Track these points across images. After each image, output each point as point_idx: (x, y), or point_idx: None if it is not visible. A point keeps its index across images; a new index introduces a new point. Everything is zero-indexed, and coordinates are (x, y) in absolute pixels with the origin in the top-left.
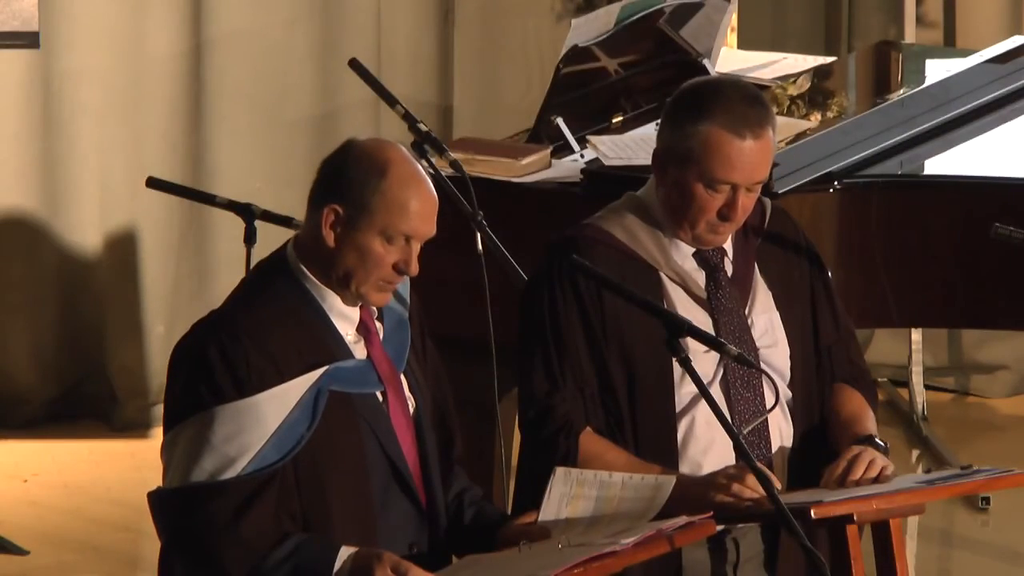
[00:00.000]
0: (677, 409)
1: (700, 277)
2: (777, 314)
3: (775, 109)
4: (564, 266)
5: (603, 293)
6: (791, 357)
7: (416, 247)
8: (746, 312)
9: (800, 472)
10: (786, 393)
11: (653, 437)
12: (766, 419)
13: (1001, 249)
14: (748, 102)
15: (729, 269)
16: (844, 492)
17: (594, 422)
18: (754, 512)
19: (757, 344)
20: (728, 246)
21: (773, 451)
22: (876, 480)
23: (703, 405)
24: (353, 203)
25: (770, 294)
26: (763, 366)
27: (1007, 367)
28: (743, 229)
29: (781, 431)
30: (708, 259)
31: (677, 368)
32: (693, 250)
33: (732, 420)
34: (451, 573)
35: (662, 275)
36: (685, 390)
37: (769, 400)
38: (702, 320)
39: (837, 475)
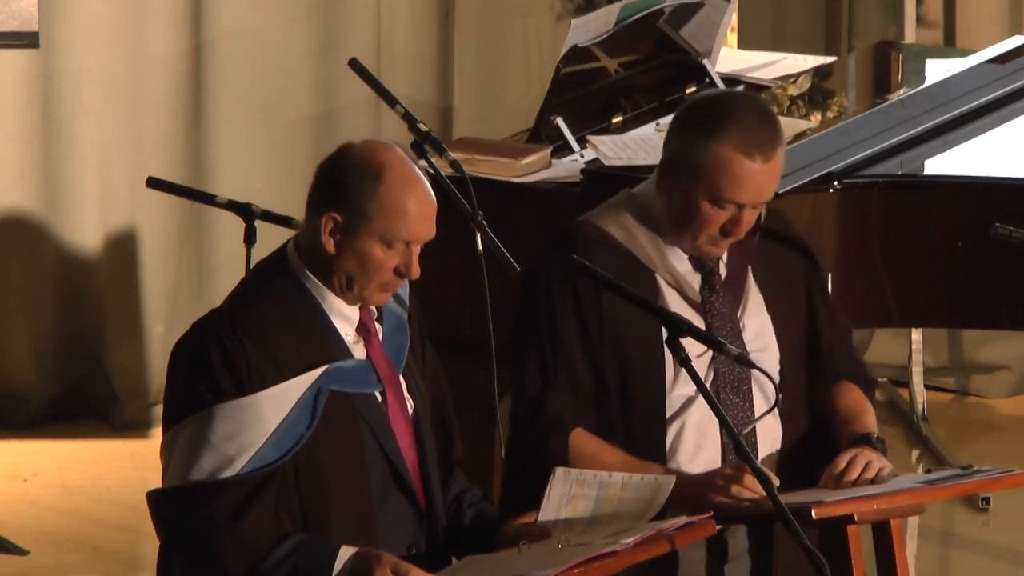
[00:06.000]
0: (668, 414)
1: (695, 280)
2: (768, 318)
3: (775, 109)
4: (561, 262)
5: (601, 292)
6: (780, 361)
7: (416, 250)
8: (738, 316)
9: (788, 475)
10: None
11: (643, 440)
12: (755, 423)
13: (1001, 249)
14: (761, 121)
15: (723, 272)
16: (844, 492)
17: (586, 421)
18: (754, 512)
19: (748, 348)
20: None
21: (761, 455)
22: (874, 480)
23: (694, 410)
24: (351, 211)
25: (761, 298)
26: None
27: (1007, 367)
28: None
29: (771, 435)
30: (703, 262)
31: (669, 371)
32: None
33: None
34: (451, 574)
35: (657, 276)
36: (676, 393)
37: (758, 406)
38: (695, 323)
39: (834, 476)
